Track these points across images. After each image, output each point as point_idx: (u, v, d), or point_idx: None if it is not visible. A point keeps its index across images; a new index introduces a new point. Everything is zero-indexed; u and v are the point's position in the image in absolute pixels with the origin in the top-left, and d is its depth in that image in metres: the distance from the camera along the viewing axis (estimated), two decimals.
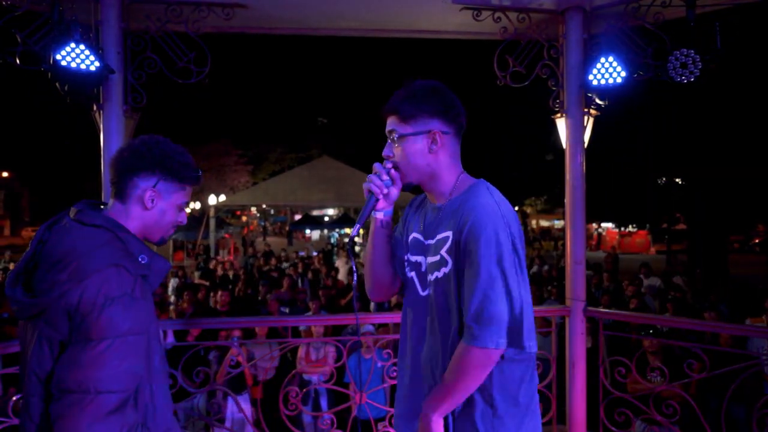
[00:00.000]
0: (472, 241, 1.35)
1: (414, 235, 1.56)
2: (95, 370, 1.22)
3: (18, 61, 2.42)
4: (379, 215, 1.55)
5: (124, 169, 1.44)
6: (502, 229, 1.35)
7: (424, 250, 1.51)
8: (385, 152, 1.51)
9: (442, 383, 1.39)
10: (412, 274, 1.55)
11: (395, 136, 1.48)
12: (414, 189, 1.56)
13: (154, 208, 1.46)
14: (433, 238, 1.48)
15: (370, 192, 1.50)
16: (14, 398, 2.44)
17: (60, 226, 1.39)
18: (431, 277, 1.46)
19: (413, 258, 1.55)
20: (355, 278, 1.63)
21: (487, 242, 1.33)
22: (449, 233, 1.42)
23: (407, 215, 1.65)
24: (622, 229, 29.57)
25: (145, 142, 1.46)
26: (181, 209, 1.52)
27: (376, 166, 1.51)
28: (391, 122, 1.50)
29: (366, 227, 1.60)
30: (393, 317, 3.52)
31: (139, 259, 1.37)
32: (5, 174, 42.21)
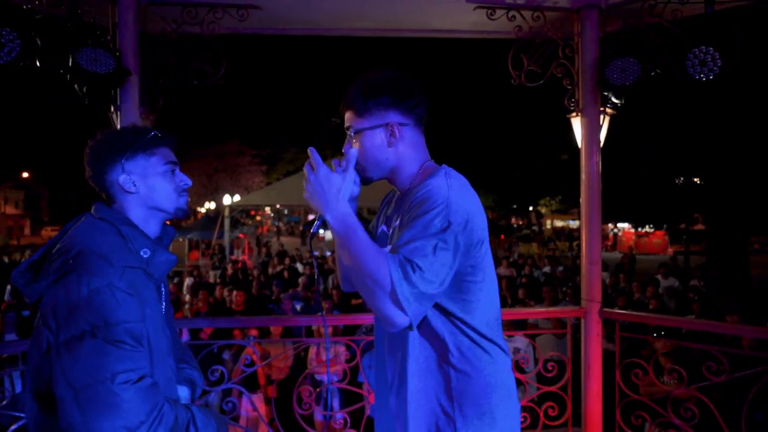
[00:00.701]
0: (407, 214, 1.30)
1: (381, 227, 1.54)
2: (101, 356, 1.20)
3: (38, 63, 2.46)
4: None
5: (94, 179, 1.43)
6: (440, 210, 1.24)
7: (386, 241, 1.48)
8: (344, 148, 1.46)
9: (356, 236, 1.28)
10: None
11: (351, 131, 1.44)
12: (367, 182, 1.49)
13: (139, 188, 1.42)
14: (390, 227, 1.46)
15: None
16: None
17: (79, 220, 1.42)
18: None
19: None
20: (317, 273, 1.63)
21: (418, 217, 1.25)
22: (399, 220, 1.38)
23: (381, 209, 1.62)
24: (639, 229, 29.18)
25: (91, 146, 1.43)
26: (172, 172, 1.47)
27: (333, 162, 1.46)
28: (347, 118, 1.45)
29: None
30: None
31: (141, 254, 1.36)
32: (25, 175, 43.06)
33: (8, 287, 8.05)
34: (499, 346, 1.38)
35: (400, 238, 1.26)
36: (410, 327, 1.25)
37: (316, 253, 16.75)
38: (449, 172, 1.36)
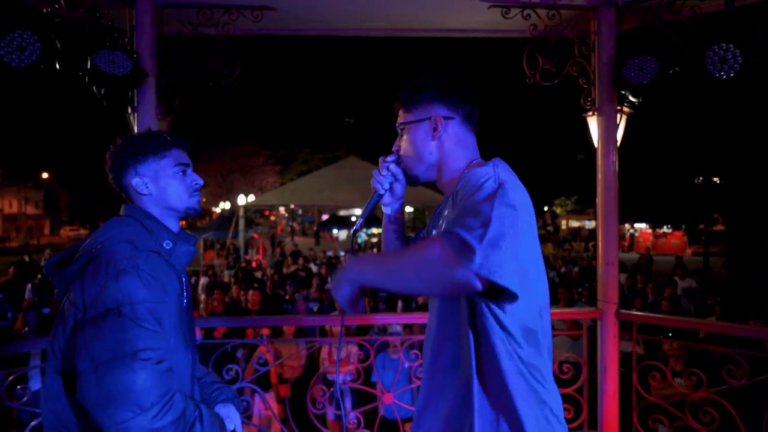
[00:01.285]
0: (459, 198, 1.18)
1: (434, 232, 1.51)
2: (125, 332, 1.26)
3: (57, 65, 2.50)
4: (386, 210, 1.54)
5: (114, 181, 1.53)
6: (489, 177, 1.15)
7: None
8: (394, 146, 1.48)
9: (382, 255, 1.28)
10: None
11: (399, 128, 1.45)
12: (414, 183, 1.49)
13: (151, 189, 1.51)
14: (435, 228, 1.42)
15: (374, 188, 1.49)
16: None
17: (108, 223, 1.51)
18: None
19: None
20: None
21: (473, 186, 1.16)
22: (446, 215, 1.32)
23: (434, 214, 1.60)
24: (657, 230, 28.78)
25: (109, 152, 1.53)
26: (183, 173, 1.53)
27: (380, 159, 1.48)
28: (399, 116, 1.46)
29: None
30: (410, 318, 3.51)
31: (164, 245, 1.45)
32: (45, 175, 43.88)
33: (29, 285, 8.20)
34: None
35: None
36: (486, 281, 1.04)
37: (330, 253, 16.81)
38: (497, 163, 1.27)
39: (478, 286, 1.05)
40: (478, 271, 1.02)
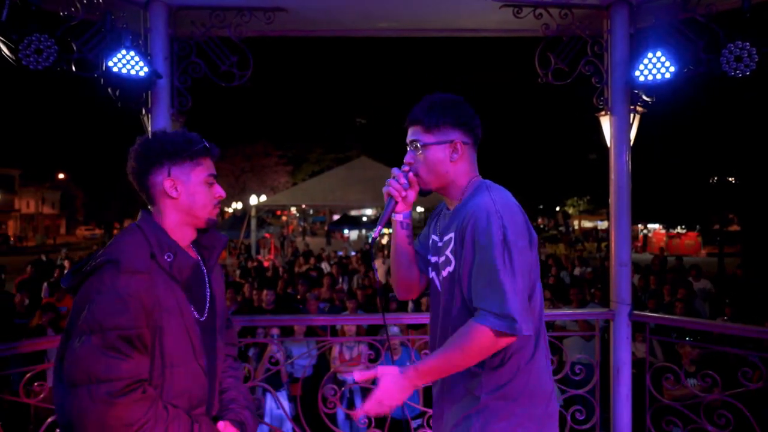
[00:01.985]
0: (468, 235, 1.45)
1: (432, 237, 1.66)
2: (90, 362, 1.27)
3: (74, 68, 2.54)
4: (398, 217, 1.64)
5: (137, 175, 1.48)
6: (495, 222, 1.40)
7: (437, 251, 1.60)
8: (407, 158, 1.61)
9: (435, 354, 1.45)
10: (433, 274, 1.64)
11: (419, 144, 1.56)
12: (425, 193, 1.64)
13: (180, 194, 1.47)
14: (442, 240, 1.58)
15: (390, 195, 1.59)
16: None
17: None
18: (443, 275, 1.56)
19: (433, 259, 1.64)
20: (376, 276, 2.00)
21: (482, 234, 1.41)
22: (452, 234, 1.51)
23: (431, 219, 1.74)
24: (671, 230, 28.43)
25: (142, 143, 1.49)
26: (211, 184, 1.52)
27: (395, 170, 1.60)
28: (413, 132, 1.58)
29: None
30: (418, 318, 3.51)
31: (165, 257, 1.41)
32: (61, 176, 44.51)
33: (45, 284, 8.33)
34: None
35: (474, 282, 1.43)
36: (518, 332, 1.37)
37: (341, 253, 16.84)
38: (489, 186, 1.53)
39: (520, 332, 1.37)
40: (512, 332, 1.36)
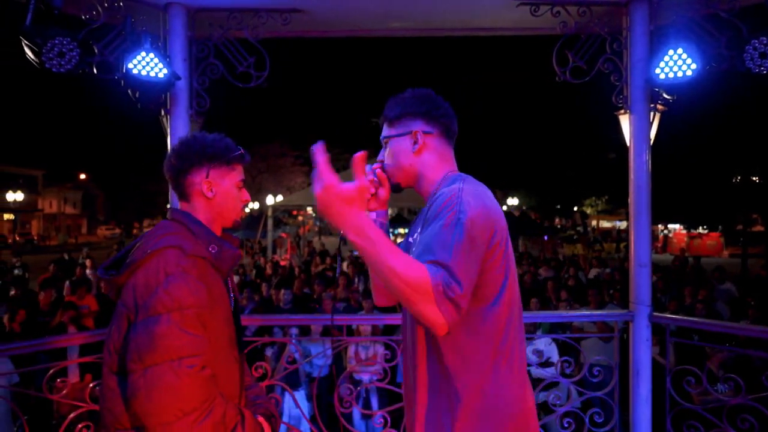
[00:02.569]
0: (427, 223, 1.32)
1: (408, 238, 1.60)
2: (173, 339, 1.32)
3: (95, 70, 2.59)
4: (372, 215, 1.60)
5: (176, 173, 1.56)
6: (452, 206, 1.28)
7: (409, 250, 1.52)
8: (379, 156, 1.59)
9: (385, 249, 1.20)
10: None
11: (383, 141, 1.55)
12: (397, 189, 1.58)
13: (216, 195, 1.56)
14: (413, 237, 1.52)
15: None
16: (90, 384, 2.61)
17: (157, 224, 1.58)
18: None
19: None
20: (338, 269, 1.88)
21: (434, 213, 1.30)
22: (420, 228, 1.43)
23: (413, 221, 1.68)
24: (692, 230, 27.91)
25: (184, 143, 1.57)
26: (240, 188, 1.62)
27: (366, 167, 1.51)
28: (383, 129, 1.57)
29: None
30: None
31: (209, 250, 1.49)
32: (82, 176, 45.39)
33: (66, 283, 8.50)
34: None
35: (423, 242, 1.28)
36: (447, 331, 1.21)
37: (356, 253, 16.85)
38: (465, 178, 1.44)
39: (445, 329, 1.20)
40: (449, 323, 1.18)
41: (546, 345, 4.89)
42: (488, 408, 1.31)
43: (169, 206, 1.65)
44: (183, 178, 1.56)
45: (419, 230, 1.43)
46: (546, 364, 4.70)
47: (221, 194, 1.57)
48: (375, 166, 1.56)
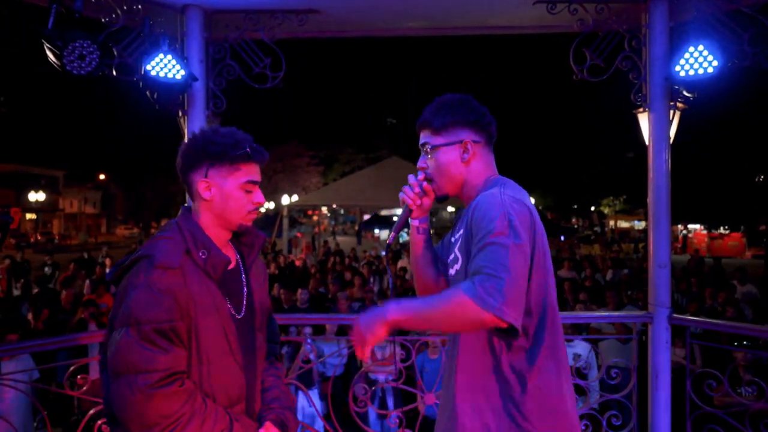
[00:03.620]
0: (474, 227, 1.34)
1: (450, 237, 1.61)
2: (129, 353, 1.31)
3: (114, 72, 2.63)
4: (414, 223, 1.61)
5: (181, 171, 1.51)
6: (499, 211, 1.31)
7: (450, 249, 1.55)
8: (419, 163, 1.57)
9: (419, 299, 1.36)
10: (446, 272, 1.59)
11: (428, 147, 1.53)
12: (441, 199, 1.59)
13: (214, 196, 1.46)
14: (454, 237, 1.52)
15: (404, 203, 1.56)
16: None
17: None
18: (450, 274, 1.51)
19: (444, 258, 1.61)
20: (390, 284, 1.76)
21: (484, 221, 1.31)
22: (462, 230, 1.44)
23: (455, 220, 1.67)
24: (712, 231, 27.40)
25: (189, 140, 1.51)
26: (250, 189, 1.49)
27: (410, 177, 1.56)
28: (424, 135, 1.54)
29: None
30: None
31: (200, 254, 1.43)
32: (102, 176, 46.17)
33: (87, 281, 8.65)
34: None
35: (473, 263, 1.29)
36: (505, 323, 1.22)
37: (372, 253, 16.88)
38: (505, 182, 1.44)
39: (492, 321, 1.23)
40: (498, 315, 1.20)
41: (587, 352, 4.77)
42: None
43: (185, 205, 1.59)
44: (186, 177, 1.49)
45: (461, 231, 1.45)
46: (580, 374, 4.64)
47: (221, 196, 1.46)
48: (420, 177, 1.55)
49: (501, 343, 1.35)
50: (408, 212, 1.58)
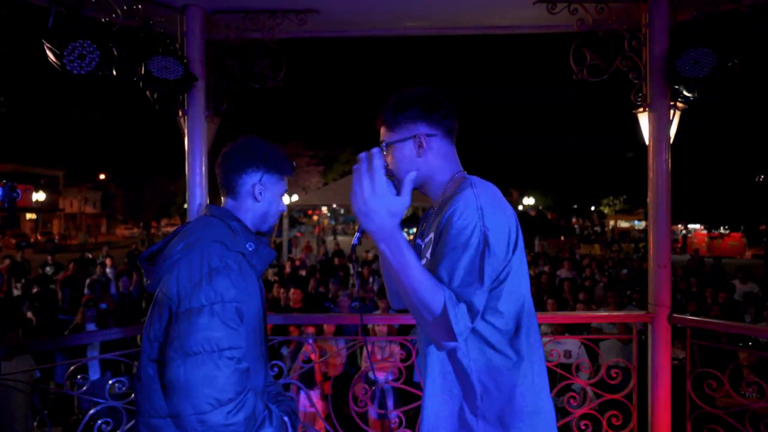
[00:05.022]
0: (444, 232, 1.30)
1: (417, 241, 1.58)
2: (215, 330, 1.36)
3: (114, 72, 2.63)
4: None
5: (232, 169, 1.61)
6: (474, 221, 1.26)
7: (419, 255, 1.50)
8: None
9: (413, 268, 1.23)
10: None
11: (383, 145, 1.50)
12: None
13: (263, 199, 1.63)
14: (424, 242, 1.49)
15: None
16: (110, 381, 2.65)
17: (192, 221, 1.62)
18: None
19: None
20: (356, 279, 1.73)
21: (456, 234, 1.26)
22: (432, 234, 1.40)
23: (420, 223, 1.65)
24: (713, 230, 27.40)
25: (246, 144, 1.63)
26: (281, 198, 1.70)
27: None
28: (381, 133, 1.52)
29: None
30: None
31: (247, 246, 1.54)
32: (102, 176, 46.18)
33: (87, 281, 8.65)
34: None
35: (443, 265, 1.27)
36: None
37: (372, 253, 16.89)
38: (475, 183, 1.38)
39: (454, 347, 1.31)
40: (460, 342, 1.24)
41: (576, 348, 4.80)
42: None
43: (207, 203, 1.79)
44: (237, 176, 1.61)
45: (431, 236, 1.41)
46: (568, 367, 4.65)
47: (268, 200, 1.64)
48: None
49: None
50: None
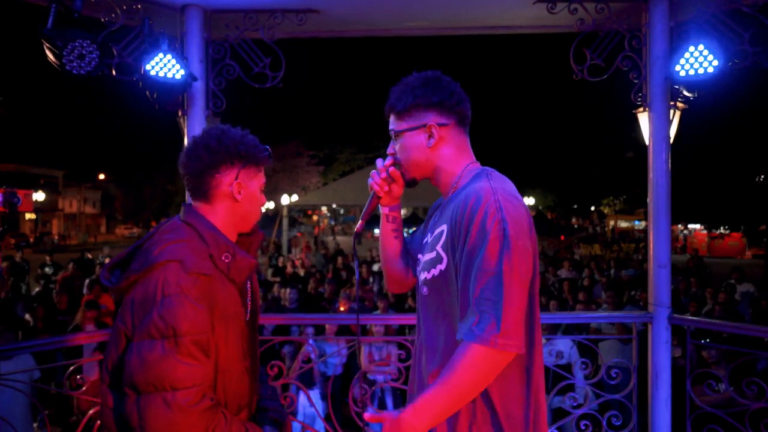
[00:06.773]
0: (462, 227, 1.25)
1: (425, 236, 1.51)
2: (166, 369, 1.21)
3: (114, 72, 2.62)
4: (384, 211, 1.54)
5: (202, 168, 1.39)
6: (494, 214, 1.22)
7: (426, 248, 1.44)
8: (388, 149, 1.48)
9: (433, 385, 1.23)
10: (419, 275, 1.47)
11: (392, 133, 1.44)
12: (411, 184, 1.50)
13: (243, 198, 1.42)
14: (433, 235, 1.40)
15: (372, 189, 1.48)
16: None
17: (166, 224, 1.43)
18: (426, 276, 1.39)
19: (420, 257, 1.48)
20: (357, 276, 1.64)
21: (480, 231, 1.22)
22: (444, 227, 1.34)
23: (429, 214, 1.58)
24: (713, 231, 27.39)
25: (213, 137, 1.40)
26: (262, 190, 1.50)
27: (378, 162, 1.48)
28: (390, 120, 1.45)
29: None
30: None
31: (222, 258, 1.35)
32: (101, 176, 46.17)
33: (87, 281, 8.64)
34: None
35: (469, 284, 1.23)
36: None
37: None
38: (490, 174, 1.34)
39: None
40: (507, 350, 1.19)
41: (568, 348, 4.81)
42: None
43: (186, 202, 1.48)
44: (210, 176, 1.38)
45: (444, 227, 1.35)
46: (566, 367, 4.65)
47: (247, 197, 1.43)
48: (387, 162, 1.46)
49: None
50: (377, 199, 1.49)
